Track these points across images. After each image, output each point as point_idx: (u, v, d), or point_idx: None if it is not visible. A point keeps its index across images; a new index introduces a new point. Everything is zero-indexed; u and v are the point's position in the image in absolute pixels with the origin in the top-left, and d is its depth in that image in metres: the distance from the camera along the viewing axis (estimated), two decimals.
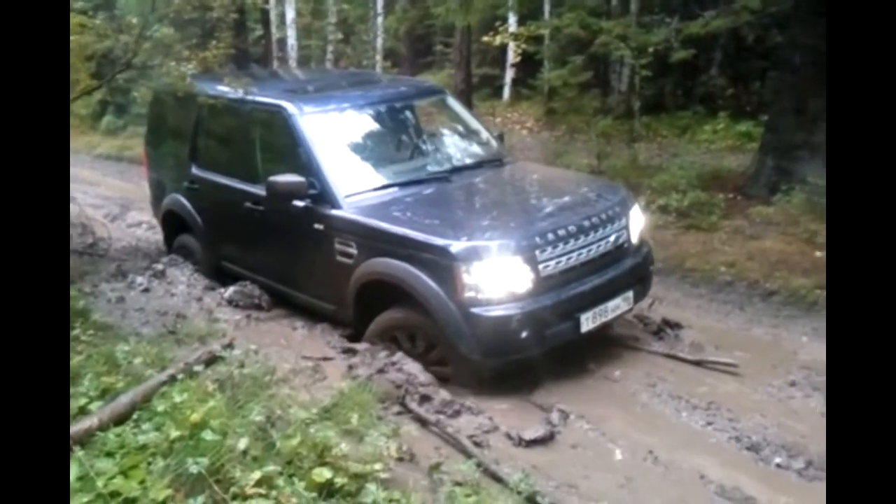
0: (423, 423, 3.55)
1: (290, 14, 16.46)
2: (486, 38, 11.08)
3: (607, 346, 4.67)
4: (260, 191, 4.97)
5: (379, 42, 17.28)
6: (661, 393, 4.14)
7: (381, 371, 4.05)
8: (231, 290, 5.57)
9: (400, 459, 3.20)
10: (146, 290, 5.67)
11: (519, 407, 4.08)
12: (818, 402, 4.08)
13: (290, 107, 4.99)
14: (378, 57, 17.63)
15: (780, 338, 4.98)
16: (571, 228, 4.20)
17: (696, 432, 3.81)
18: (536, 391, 4.19)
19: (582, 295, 4.18)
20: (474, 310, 3.93)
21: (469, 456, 3.26)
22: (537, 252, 4.03)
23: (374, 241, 4.35)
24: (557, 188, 5.09)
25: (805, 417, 3.93)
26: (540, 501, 2.97)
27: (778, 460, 3.54)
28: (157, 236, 7.94)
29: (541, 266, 4.04)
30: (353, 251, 4.47)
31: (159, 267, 6.31)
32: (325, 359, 4.48)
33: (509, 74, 15.26)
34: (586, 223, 4.28)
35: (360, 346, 4.53)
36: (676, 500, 3.27)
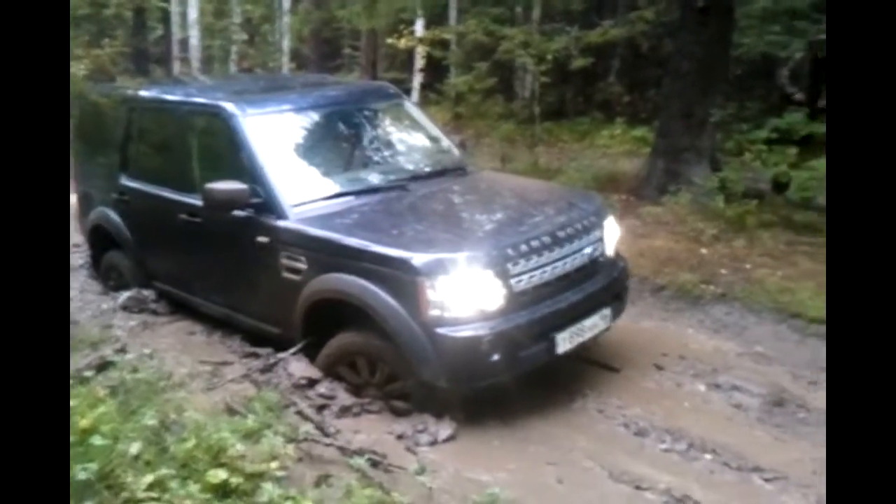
0: (319, 428, 3.54)
1: (193, 13, 16.05)
2: (390, 41, 11.15)
3: None
4: (196, 201, 4.48)
5: (285, 43, 17.06)
6: (555, 385, 4.28)
7: (269, 372, 4.01)
8: (125, 295, 5.41)
9: (299, 459, 3.22)
10: None
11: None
12: (703, 388, 4.35)
13: (230, 107, 4.55)
14: (284, 59, 17.41)
15: (668, 330, 5.25)
16: (545, 240, 3.85)
17: (589, 419, 3.98)
18: None
19: (557, 312, 3.83)
20: (440, 330, 3.53)
21: (362, 454, 3.28)
22: (509, 265, 3.66)
23: (326, 255, 3.92)
24: (527, 197, 4.71)
25: (690, 403, 4.16)
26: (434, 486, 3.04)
27: (663, 445, 3.75)
28: None
29: (513, 281, 3.67)
30: (302, 266, 4.01)
31: None
32: (224, 363, 4.43)
33: (417, 79, 15.39)
34: (561, 234, 3.95)
35: (262, 351, 4.47)
36: (568, 479, 3.41)
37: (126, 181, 5.45)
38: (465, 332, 3.56)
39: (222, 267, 4.72)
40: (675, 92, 7.66)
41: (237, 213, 4.26)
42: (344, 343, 3.98)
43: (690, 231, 6.43)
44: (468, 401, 3.86)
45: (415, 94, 15.44)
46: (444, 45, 13.09)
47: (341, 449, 3.38)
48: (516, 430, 3.81)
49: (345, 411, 3.82)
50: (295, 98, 5.06)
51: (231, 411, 3.60)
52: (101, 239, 5.90)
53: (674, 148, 7.49)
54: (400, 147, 5.19)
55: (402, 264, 3.59)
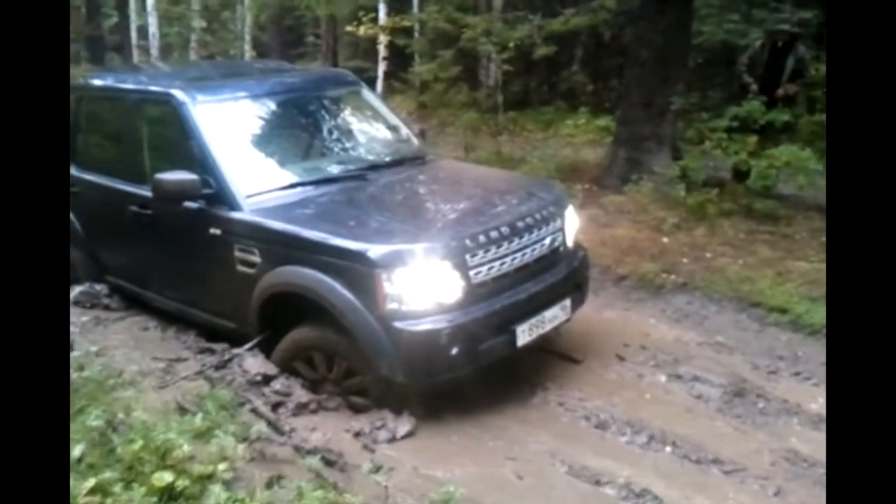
0: (273, 427, 3.45)
1: (150, 0, 15.67)
2: (349, 29, 10.99)
3: None
4: (147, 192, 4.31)
5: (246, 31, 16.75)
6: (515, 376, 4.25)
7: (224, 368, 3.92)
8: (76, 290, 5.24)
9: (251, 460, 3.12)
10: None
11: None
12: (664, 379, 4.35)
13: (180, 95, 4.40)
14: (246, 46, 17.11)
15: (630, 320, 5.24)
16: (504, 230, 3.78)
17: (549, 412, 3.94)
18: None
19: (517, 304, 3.77)
20: (397, 324, 3.45)
21: (316, 454, 3.20)
22: (468, 256, 3.59)
23: (281, 247, 3.82)
24: (487, 187, 4.61)
25: (651, 394, 4.16)
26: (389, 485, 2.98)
27: (624, 437, 3.73)
28: None
29: (472, 272, 3.60)
30: (256, 259, 3.91)
31: None
32: (179, 360, 4.30)
33: (381, 67, 15.23)
34: (520, 224, 3.88)
35: (217, 346, 4.36)
36: (527, 474, 3.37)
37: (75, 172, 5.22)
38: (423, 326, 3.49)
39: (175, 260, 4.59)
40: (635, 80, 7.66)
41: (189, 204, 4.13)
42: (300, 338, 3.89)
43: (652, 220, 6.44)
44: (427, 396, 3.81)
45: (379, 83, 15.29)
46: (407, 32, 12.97)
47: (296, 448, 3.29)
48: (476, 425, 3.76)
49: (301, 408, 3.73)
50: (248, 85, 4.90)
51: (182, 410, 3.49)
52: None
53: (635, 137, 7.50)
54: (358, 136, 5.05)
55: (359, 256, 3.50)
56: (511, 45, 9.27)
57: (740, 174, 7.12)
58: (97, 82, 5.43)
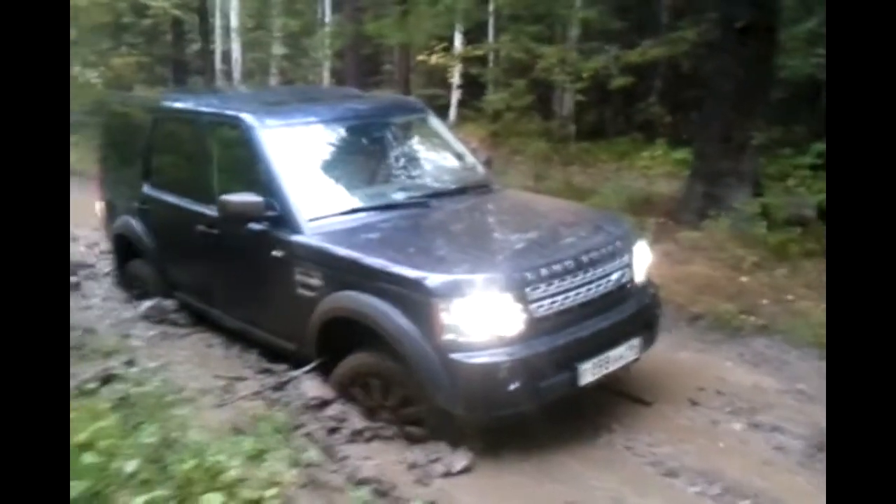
0: (327, 453, 3.37)
1: (234, 25, 16.24)
2: (420, 58, 11.09)
3: None
4: (214, 212, 4.41)
5: (325, 58, 17.14)
6: (581, 417, 4.06)
7: (282, 390, 3.87)
8: (146, 304, 5.35)
9: (302, 486, 3.05)
10: None
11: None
12: (740, 427, 4.08)
13: (249, 119, 4.49)
14: (325, 73, 17.51)
15: (705, 362, 4.97)
16: (568, 264, 3.67)
17: (614, 456, 3.74)
18: None
19: (580, 341, 3.63)
20: (455, 355, 3.37)
21: (368, 484, 3.10)
22: (529, 289, 3.49)
23: (340, 272, 3.81)
24: (552, 219, 4.52)
25: (725, 443, 3.90)
26: None
27: (695, 488, 3.49)
28: (79, 248, 7.62)
29: (533, 306, 3.49)
30: (316, 283, 3.91)
31: (74, 279, 6.05)
32: (239, 378, 4.30)
33: (455, 96, 15.32)
34: (585, 258, 3.76)
35: (278, 367, 4.35)
36: None
37: (148, 190, 5.44)
38: (481, 359, 3.39)
39: (239, 280, 4.65)
40: (715, 114, 7.39)
41: (253, 225, 4.19)
42: (357, 363, 3.83)
43: (730, 258, 6.13)
44: (486, 430, 3.67)
45: (452, 111, 15.38)
46: (482, 61, 13.02)
47: (348, 476, 3.21)
48: (536, 465, 3.59)
49: (356, 435, 3.65)
50: (316, 110, 4.96)
51: (237, 431, 3.46)
52: (124, 247, 5.89)
53: (713, 171, 7.22)
54: (423, 163, 5.05)
55: (417, 285, 3.45)
56: (585, 75, 9.14)
57: (825, 213, 6.76)
58: (172, 104, 5.60)
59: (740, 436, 3.98)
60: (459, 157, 5.22)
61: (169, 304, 5.37)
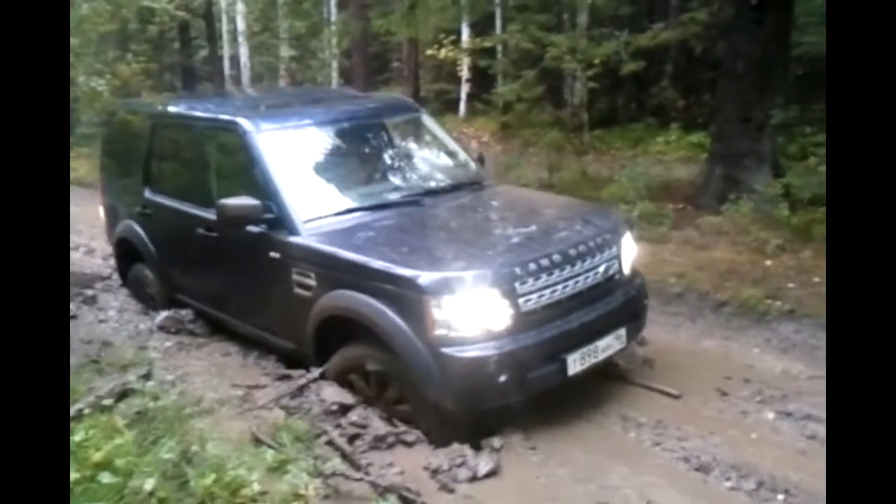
0: (349, 461, 3.31)
1: (241, 29, 16.21)
2: (430, 52, 11.00)
3: None
4: (213, 216, 4.47)
5: (333, 58, 17.08)
6: (607, 413, 3.97)
7: (300, 396, 3.82)
8: (163, 315, 5.32)
9: (326, 497, 2.98)
10: (73, 317, 5.37)
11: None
12: (772, 416, 3.96)
13: (245, 123, 4.56)
14: (333, 73, 17.45)
15: (732, 350, 4.86)
16: (556, 258, 3.75)
17: (644, 452, 3.64)
18: None
19: (569, 333, 3.71)
20: (445, 350, 3.45)
21: (394, 491, 3.02)
22: (517, 284, 3.57)
23: (335, 272, 3.90)
24: (541, 213, 4.60)
25: (758, 433, 3.79)
26: None
27: (728, 483, 3.38)
28: (95, 260, 7.64)
29: (521, 300, 3.58)
30: (313, 283, 3.99)
31: (90, 292, 6.03)
32: (257, 386, 4.24)
33: (464, 89, 15.20)
34: (572, 252, 3.84)
35: (295, 373, 4.29)
36: None
37: (149, 195, 5.52)
38: (471, 353, 3.47)
39: (238, 281, 4.75)
40: (731, 94, 7.23)
41: (251, 228, 4.27)
42: (351, 357, 3.92)
43: (753, 241, 6.00)
44: (509, 430, 3.58)
45: (462, 105, 15.27)
46: (490, 54, 12.89)
47: (372, 485, 3.13)
48: (564, 465, 3.49)
49: (378, 441, 3.57)
50: (310, 113, 5.04)
51: (258, 442, 3.40)
52: (126, 251, 5.98)
53: (732, 153, 7.07)
54: (416, 161, 5.12)
55: (409, 283, 3.54)
56: (597, 61, 9.00)
57: None
58: (171, 109, 5.67)
59: (772, 426, 3.87)
60: (452, 154, 5.30)
61: (185, 314, 5.35)
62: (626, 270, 4.23)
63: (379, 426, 3.67)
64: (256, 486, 2.72)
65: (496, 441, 3.64)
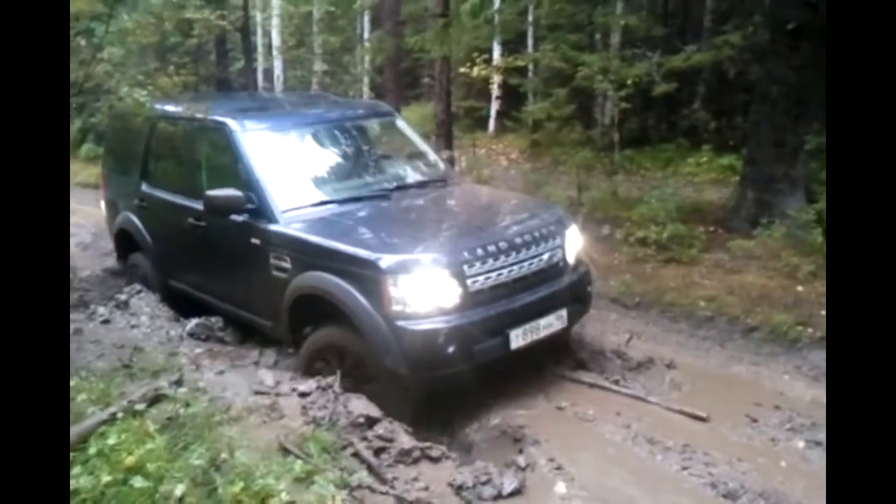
0: (375, 474, 3.32)
1: (276, 43, 16.43)
2: (463, 70, 11.05)
3: (580, 385, 4.51)
4: (201, 206, 4.98)
5: (364, 73, 17.23)
6: (635, 434, 3.93)
7: (326, 408, 3.85)
8: (193, 322, 5.41)
9: None
10: (106, 322, 5.47)
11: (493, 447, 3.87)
12: (801, 445, 3.91)
13: (232, 123, 5.09)
14: (365, 88, 17.59)
15: (761, 376, 4.81)
16: (502, 245, 4.21)
17: (670, 477, 3.60)
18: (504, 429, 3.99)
19: (512, 311, 4.16)
20: (401, 323, 3.90)
21: None
22: (465, 267, 4.03)
23: (308, 256, 4.38)
24: (494, 208, 5.22)
25: (787, 462, 3.74)
26: None
27: None
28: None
29: (469, 281, 4.03)
30: (288, 265, 4.48)
31: (122, 297, 6.13)
32: (284, 395, 4.27)
33: (494, 106, 15.23)
34: (518, 240, 4.31)
35: (322, 382, 4.32)
36: None
37: (145, 188, 6.08)
38: (424, 326, 3.91)
39: (223, 266, 5.20)
40: (765, 118, 7.16)
41: (235, 217, 4.75)
42: (323, 338, 4.37)
43: (784, 267, 5.92)
44: (535, 449, 3.57)
45: (491, 122, 15.30)
46: (521, 72, 12.91)
47: (398, 499, 3.14)
48: (589, 488, 3.47)
49: (404, 455, 3.59)
50: (292, 115, 5.70)
51: (285, 451, 3.42)
52: (125, 241, 6.54)
53: (765, 177, 6.99)
54: (387, 160, 5.64)
55: (370, 264, 3.99)
56: (629, 82, 8.98)
57: None
58: (166, 108, 6.14)
59: (802, 454, 3.83)
60: (422, 155, 5.83)
61: (215, 321, 5.44)
62: (571, 259, 4.65)
63: (405, 440, 3.70)
64: (284, 496, 2.74)
65: (521, 460, 3.64)
